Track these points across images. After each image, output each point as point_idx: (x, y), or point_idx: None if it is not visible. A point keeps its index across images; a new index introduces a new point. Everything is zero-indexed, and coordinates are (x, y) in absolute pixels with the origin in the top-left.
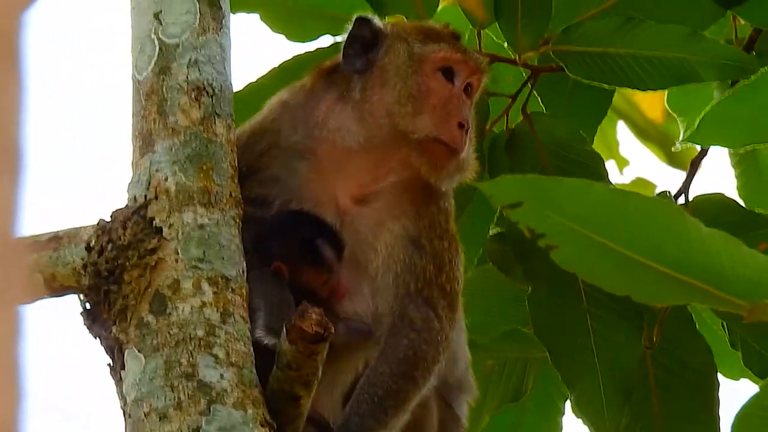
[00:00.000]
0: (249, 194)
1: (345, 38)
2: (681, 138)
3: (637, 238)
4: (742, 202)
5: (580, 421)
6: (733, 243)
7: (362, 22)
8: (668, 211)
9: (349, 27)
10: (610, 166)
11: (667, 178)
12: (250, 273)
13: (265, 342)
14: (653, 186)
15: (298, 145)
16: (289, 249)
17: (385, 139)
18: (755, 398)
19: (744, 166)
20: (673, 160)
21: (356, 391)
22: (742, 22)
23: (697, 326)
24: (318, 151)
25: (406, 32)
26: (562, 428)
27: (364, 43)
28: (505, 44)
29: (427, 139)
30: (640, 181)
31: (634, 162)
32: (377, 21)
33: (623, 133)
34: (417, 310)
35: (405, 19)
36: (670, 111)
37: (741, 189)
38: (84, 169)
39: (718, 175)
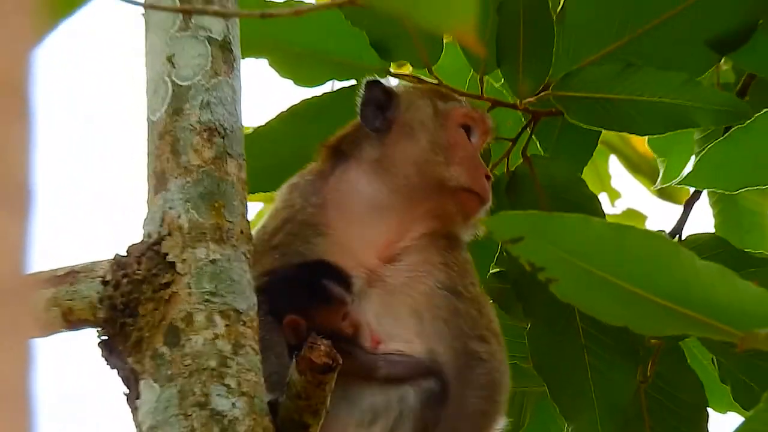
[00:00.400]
0: (269, 268)
1: (360, 102)
2: (661, 177)
3: (634, 271)
4: None
5: None
6: (728, 275)
7: (373, 84)
8: (664, 244)
9: (362, 91)
10: (602, 198)
11: (656, 210)
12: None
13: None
14: (644, 217)
15: (313, 219)
16: (296, 298)
17: (414, 189)
18: (747, 423)
19: (722, 205)
20: (662, 193)
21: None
22: (725, 67)
23: (689, 362)
24: (332, 222)
25: (422, 91)
26: None
27: (378, 104)
28: (498, 84)
29: (460, 188)
30: (631, 212)
31: (625, 194)
32: (386, 82)
33: (615, 166)
34: (478, 345)
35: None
36: (648, 146)
37: (718, 228)
38: (99, 207)
39: (706, 213)
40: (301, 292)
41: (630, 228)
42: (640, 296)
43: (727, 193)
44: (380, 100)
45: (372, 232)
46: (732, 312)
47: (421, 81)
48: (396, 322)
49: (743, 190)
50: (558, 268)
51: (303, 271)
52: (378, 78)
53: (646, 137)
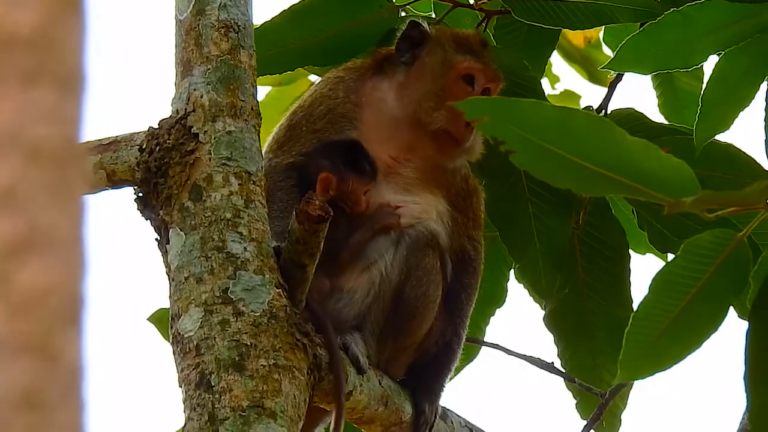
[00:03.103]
0: (305, 150)
1: (399, 35)
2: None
3: (577, 145)
4: (662, 118)
5: (521, 285)
6: (653, 148)
7: (413, 24)
8: (601, 123)
9: (404, 27)
10: (545, 82)
11: (587, 91)
12: (278, 194)
13: (272, 245)
14: (578, 96)
15: (349, 113)
16: (336, 163)
17: (411, 120)
18: (670, 264)
19: (663, 88)
20: (591, 77)
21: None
22: None
23: (613, 212)
24: (364, 119)
25: (445, 38)
26: (507, 291)
27: (413, 41)
28: None
29: (438, 131)
30: (567, 92)
31: (563, 78)
32: (425, 25)
33: (554, 56)
34: (469, 244)
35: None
36: (603, 42)
37: (661, 107)
38: (138, 88)
39: (632, 93)
40: (341, 159)
41: (573, 110)
42: (581, 165)
43: (659, 75)
44: (415, 38)
45: (391, 136)
46: (655, 178)
47: None
48: (410, 197)
49: (655, 72)
50: (515, 142)
51: (346, 144)
52: (420, 21)
53: (581, 32)
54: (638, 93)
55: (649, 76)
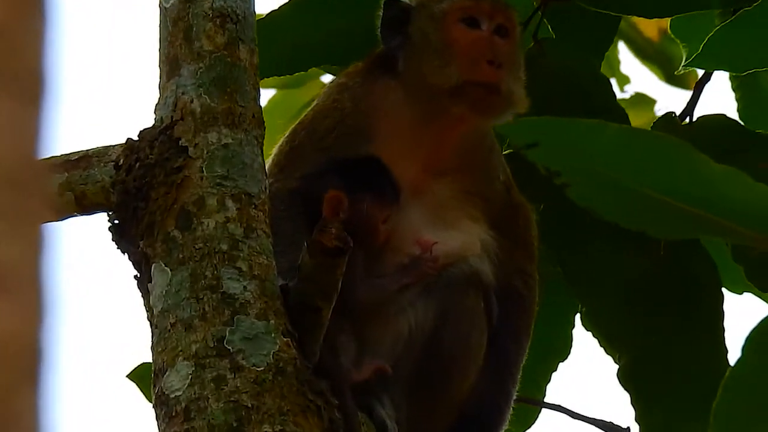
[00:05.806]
0: (311, 170)
1: (379, 23)
2: (684, 62)
3: (650, 175)
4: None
5: (589, 333)
6: (742, 177)
7: (388, 4)
8: (678, 148)
9: (381, 12)
10: (612, 83)
11: (665, 95)
12: (282, 225)
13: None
14: (653, 101)
15: (362, 125)
16: (349, 181)
17: (428, 101)
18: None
19: (744, 89)
20: (670, 78)
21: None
22: None
23: (703, 242)
24: (381, 130)
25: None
26: (572, 341)
27: (396, 22)
28: None
29: (459, 86)
30: (640, 96)
31: (634, 79)
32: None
33: (623, 51)
34: (519, 279)
35: None
36: (671, 35)
37: (742, 111)
38: (113, 92)
39: (720, 96)
40: (355, 178)
41: (644, 132)
42: (656, 199)
43: (738, 75)
44: (398, 18)
45: (415, 145)
46: (747, 214)
47: None
48: (446, 230)
49: (751, 71)
50: (574, 173)
51: (361, 161)
52: None
53: (655, 21)
54: (726, 95)
55: (727, 76)
